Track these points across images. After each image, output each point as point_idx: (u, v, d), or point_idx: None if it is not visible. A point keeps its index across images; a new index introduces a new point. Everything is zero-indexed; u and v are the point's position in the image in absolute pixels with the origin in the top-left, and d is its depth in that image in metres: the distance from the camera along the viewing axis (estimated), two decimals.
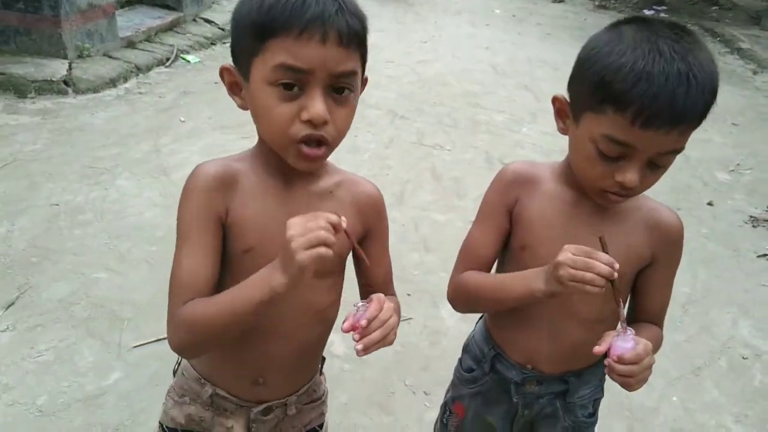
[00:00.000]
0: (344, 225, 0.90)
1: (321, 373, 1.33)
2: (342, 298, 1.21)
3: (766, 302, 3.06)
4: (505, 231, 1.25)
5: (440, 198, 3.74)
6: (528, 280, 1.11)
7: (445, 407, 1.49)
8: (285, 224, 1.00)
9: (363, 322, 0.94)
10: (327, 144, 0.98)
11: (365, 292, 1.24)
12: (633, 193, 1.07)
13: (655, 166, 1.04)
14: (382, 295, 0.99)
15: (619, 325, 1.02)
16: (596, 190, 1.10)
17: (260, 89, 0.96)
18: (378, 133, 4.52)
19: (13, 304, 2.52)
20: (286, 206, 1.07)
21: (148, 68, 5.14)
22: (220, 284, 1.05)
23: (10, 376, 2.20)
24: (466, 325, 1.30)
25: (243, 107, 1.05)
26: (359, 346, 0.93)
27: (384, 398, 2.29)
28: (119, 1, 5.72)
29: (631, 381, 1.02)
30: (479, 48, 6.91)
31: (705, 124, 3.85)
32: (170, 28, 5.90)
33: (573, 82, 1.11)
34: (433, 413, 1.68)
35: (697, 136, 4.07)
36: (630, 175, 1.02)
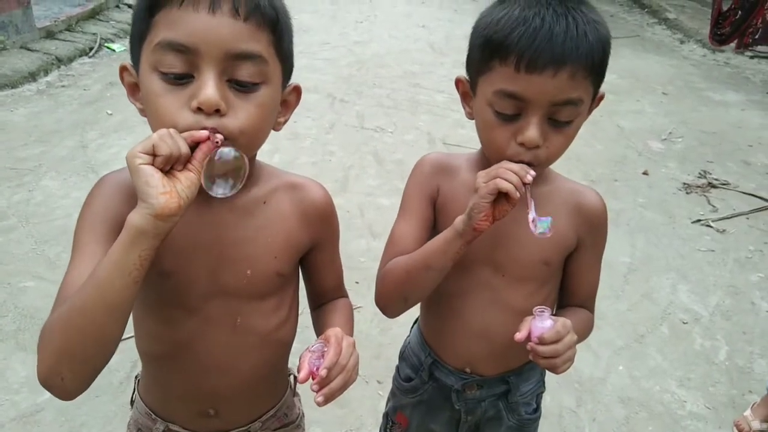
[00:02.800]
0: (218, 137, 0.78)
1: (295, 394, 1.25)
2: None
3: (702, 267, 3.18)
4: (429, 221, 1.19)
5: (384, 182, 3.71)
6: (451, 227, 1.05)
7: (387, 417, 1.45)
8: (205, 246, 0.92)
9: (323, 372, 0.84)
10: (229, 138, 0.81)
11: (315, 300, 1.18)
12: (539, 158, 1.00)
13: (557, 123, 0.99)
14: (339, 332, 0.89)
15: (535, 309, 1.01)
16: None
17: (145, 77, 0.81)
18: (318, 118, 4.44)
19: None
20: (209, 225, 0.94)
21: (70, 59, 4.87)
22: (137, 308, 0.96)
23: None
24: (415, 309, 1.26)
25: (143, 113, 0.87)
26: (319, 398, 0.85)
27: None
28: None
29: (557, 362, 0.99)
30: (416, 27, 6.87)
31: (636, 94, 3.93)
32: (92, 15, 5.60)
33: (468, 57, 1.08)
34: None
35: (629, 107, 4.17)
36: (529, 132, 0.97)
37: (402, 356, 1.42)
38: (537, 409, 1.36)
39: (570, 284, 1.23)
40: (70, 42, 5.06)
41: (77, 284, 0.80)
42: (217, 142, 0.78)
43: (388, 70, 5.53)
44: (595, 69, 0.98)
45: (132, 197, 0.84)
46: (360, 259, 2.95)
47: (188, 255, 0.94)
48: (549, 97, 0.96)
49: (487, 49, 0.99)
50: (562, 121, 0.99)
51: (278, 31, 0.84)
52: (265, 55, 0.82)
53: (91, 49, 5.08)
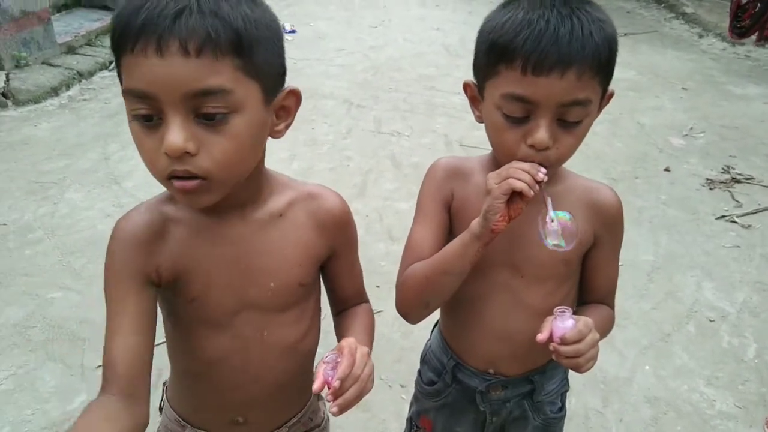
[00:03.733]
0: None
1: (319, 398, 1.26)
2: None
3: (727, 263, 3.13)
4: (445, 226, 1.19)
5: (402, 186, 3.71)
6: (467, 230, 1.05)
7: (411, 422, 1.45)
8: (228, 264, 0.95)
9: (336, 383, 0.85)
10: (201, 178, 0.81)
11: (336, 306, 1.19)
12: (550, 160, 1.00)
13: (566, 124, 0.99)
14: (352, 342, 0.89)
15: (555, 309, 1.00)
16: None
17: (129, 121, 0.82)
18: (335, 124, 4.46)
19: None
20: (228, 244, 0.96)
21: (91, 73, 4.95)
22: (168, 326, 0.99)
23: None
24: (436, 312, 1.26)
25: None
26: (334, 409, 0.85)
27: None
28: (55, 6, 5.49)
29: (580, 361, 0.99)
30: (430, 30, 6.87)
31: (656, 90, 3.89)
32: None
33: (474, 62, 1.08)
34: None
35: (649, 103, 4.12)
36: (539, 135, 0.97)
37: (424, 360, 1.42)
38: (562, 408, 1.35)
39: (589, 281, 1.22)
40: (90, 56, 5.15)
41: (122, 352, 0.89)
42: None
43: (403, 74, 5.53)
44: (603, 68, 0.98)
45: (154, 240, 0.92)
46: (380, 263, 2.95)
47: (213, 276, 0.96)
48: (557, 99, 0.96)
49: (492, 54, 1.00)
50: (571, 122, 0.99)
51: (245, 50, 0.79)
52: (228, 86, 0.78)
53: (111, 62, 5.15)
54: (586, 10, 0.97)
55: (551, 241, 1.00)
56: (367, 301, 1.21)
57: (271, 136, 0.93)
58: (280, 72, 0.90)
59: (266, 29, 0.84)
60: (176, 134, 0.77)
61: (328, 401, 0.85)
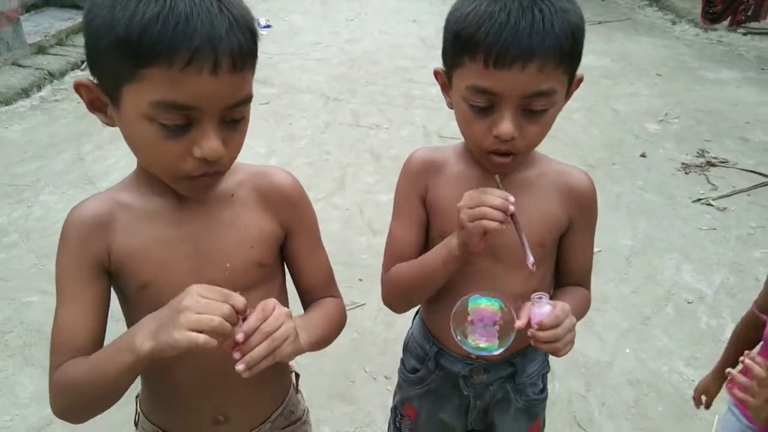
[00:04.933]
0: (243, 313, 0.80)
1: (297, 391, 1.25)
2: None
3: (704, 245, 3.17)
4: (423, 221, 1.22)
5: (382, 178, 3.70)
6: (446, 243, 1.10)
7: (396, 411, 1.45)
8: (182, 246, 0.94)
9: (239, 337, 0.80)
10: (221, 173, 0.89)
11: (303, 300, 1.15)
12: (517, 148, 1.03)
13: (531, 114, 1.00)
14: (270, 302, 0.85)
15: (533, 295, 1.02)
16: (483, 154, 1.07)
17: (137, 123, 0.81)
18: (312, 118, 4.43)
19: None
20: (181, 227, 0.96)
21: (63, 73, 4.87)
22: (127, 324, 0.97)
23: None
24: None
25: (110, 125, 0.88)
26: (239, 366, 0.81)
27: (345, 388, 2.26)
28: (24, 5, 5.37)
29: (558, 345, 1.00)
30: (406, 22, 6.85)
31: (630, 77, 3.93)
32: (82, 29, 5.59)
33: (443, 50, 1.08)
34: None
35: (624, 90, 4.15)
36: (503, 126, 0.99)
37: (406, 348, 1.42)
38: (543, 390, 1.37)
39: (565, 264, 1.24)
40: (61, 56, 5.06)
41: (71, 331, 0.91)
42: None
43: (380, 66, 5.52)
44: (566, 58, 0.98)
45: (105, 225, 0.93)
46: (362, 256, 2.95)
47: (165, 259, 0.95)
48: (520, 91, 0.98)
49: (457, 45, 1.01)
50: (536, 111, 1.00)
51: (255, 53, 0.86)
52: (252, 92, 0.86)
53: (82, 62, 5.07)
54: (552, 1, 0.97)
55: (479, 345, 1.04)
56: (336, 296, 1.16)
57: None
58: None
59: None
60: (215, 141, 0.82)
61: (236, 358, 0.81)
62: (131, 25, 0.75)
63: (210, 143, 0.81)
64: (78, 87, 0.86)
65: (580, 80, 1.08)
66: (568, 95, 1.08)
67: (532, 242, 1.13)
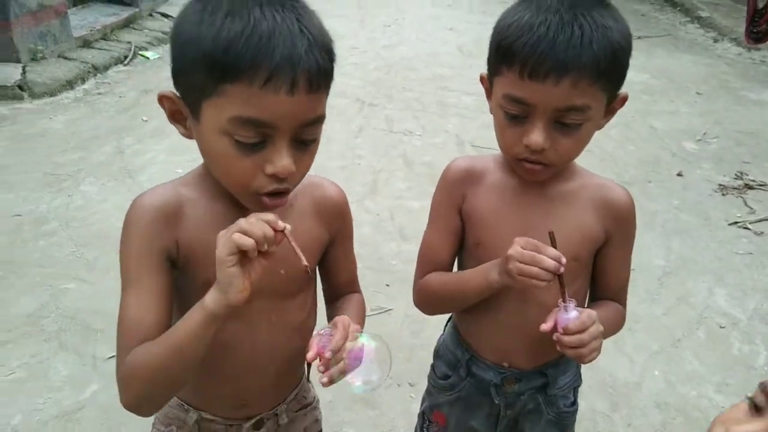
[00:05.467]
0: (288, 228, 0.81)
1: (308, 380, 1.27)
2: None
3: (739, 270, 3.11)
4: (457, 230, 1.24)
5: (414, 185, 3.71)
6: (485, 272, 1.12)
7: (423, 416, 1.46)
8: None
9: (328, 354, 0.88)
10: (289, 191, 0.91)
11: (330, 295, 1.21)
12: (549, 159, 1.04)
13: (563, 127, 1.02)
14: (346, 319, 0.93)
15: (560, 301, 1.03)
16: (515, 161, 1.10)
17: (214, 137, 0.84)
18: (347, 122, 4.47)
19: None
20: None
21: (106, 67, 4.99)
22: (178, 315, 0.98)
23: None
24: None
25: (188, 137, 0.91)
26: (324, 379, 0.88)
27: (368, 393, 2.27)
28: (71, 0, 5.53)
29: (583, 351, 1.01)
30: (444, 29, 6.87)
31: (670, 94, 3.87)
32: (126, 24, 5.73)
33: (488, 57, 1.11)
34: (419, 404, 1.67)
35: (663, 107, 4.09)
36: (534, 136, 1.01)
37: (437, 354, 1.43)
38: (574, 403, 1.37)
39: (600, 278, 1.24)
40: (105, 51, 5.19)
41: (140, 318, 0.91)
42: (283, 231, 0.82)
43: (416, 73, 5.54)
44: (603, 75, 0.99)
45: (173, 217, 0.93)
46: (391, 261, 2.96)
47: None
48: (552, 104, 0.99)
49: (498, 53, 1.04)
50: (569, 124, 1.01)
51: (333, 73, 0.87)
52: (325, 112, 0.87)
53: (125, 57, 5.20)
54: (592, 16, 0.98)
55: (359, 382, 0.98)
56: (359, 291, 1.23)
57: None
58: None
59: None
60: (287, 159, 0.84)
61: (320, 371, 0.88)
62: (216, 41, 0.78)
63: (282, 161, 0.83)
64: (161, 99, 0.89)
65: (624, 99, 1.08)
66: (609, 112, 1.08)
67: (568, 256, 1.12)
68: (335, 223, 1.10)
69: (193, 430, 1.14)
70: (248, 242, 0.78)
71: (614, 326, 1.23)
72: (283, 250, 0.98)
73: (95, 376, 2.24)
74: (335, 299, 1.20)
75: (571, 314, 1.02)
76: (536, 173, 1.09)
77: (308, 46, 0.79)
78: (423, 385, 2.08)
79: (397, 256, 3.00)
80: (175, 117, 0.90)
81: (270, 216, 0.81)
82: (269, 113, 0.80)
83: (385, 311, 2.63)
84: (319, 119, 0.86)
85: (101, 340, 2.39)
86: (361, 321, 1.14)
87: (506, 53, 1.00)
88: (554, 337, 1.02)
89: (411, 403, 2.22)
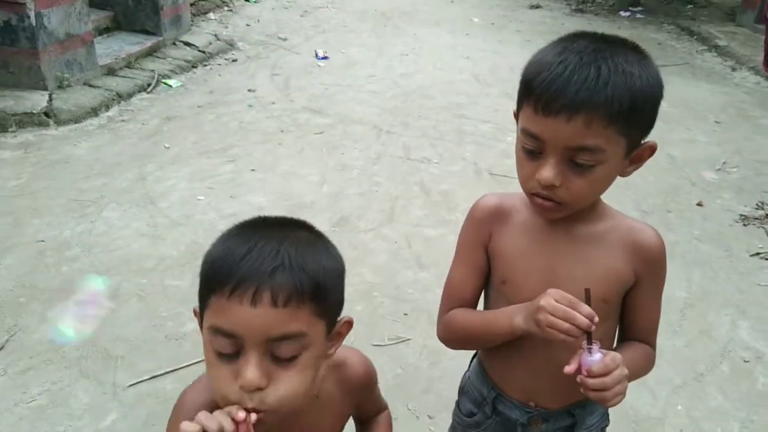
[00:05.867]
0: (243, 417, 0.85)
1: None
2: None
3: (763, 302, 3.07)
4: (483, 268, 1.24)
5: (431, 213, 3.72)
6: (510, 315, 1.13)
7: None
8: None
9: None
10: (267, 410, 0.88)
11: (359, 417, 1.27)
12: (560, 197, 1.05)
13: (576, 166, 1.01)
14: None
15: (584, 343, 1.03)
16: (529, 196, 1.11)
17: (205, 343, 0.90)
18: (364, 149, 4.51)
19: (2, 347, 2.46)
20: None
21: (130, 95, 5.09)
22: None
23: (3, 424, 2.14)
24: None
25: None
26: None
27: None
28: (98, 29, 5.67)
29: (606, 395, 1.01)
30: (460, 58, 6.93)
31: (687, 122, 3.87)
32: (150, 53, 5.86)
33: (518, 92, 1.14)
34: None
35: (681, 136, 4.08)
36: (544, 172, 1.02)
37: (462, 390, 1.42)
38: None
39: (629, 320, 1.23)
40: (129, 78, 5.30)
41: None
42: (252, 421, 0.86)
43: (433, 101, 5.58)
44: (618, 119, 0.98)
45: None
46: (407, 290, 2.96)
47: None
48: (563, 142, 1.00)
49: (521, 88, 1.07)
50: (582, 165, 1.02)
51: (320, 297, 0.88)
52: (304, 330, 0.87)
53: (149, 85, 5.30)
54: (615, 60, 0.98)
55: None
56: (384, 409, 1.30)
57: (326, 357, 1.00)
58: (341, 306, 0.98)
59: (337, 277, 0.95)
60: (253, 372, 0.84)
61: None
62: (206, 263, 0.89)
63: (247, 373, 0.84)
64: (194, 311, 0.97)
65: (652, 148, 1.09)
66: (636, 160, 1.09)
67: (596, 298, 1.13)
68: (361, 396, 1.16)
69: None
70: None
71: (642, 368, 1.22)
72: (311, 417, 1.06)
73: (115, 404, 2.25)
74: (365, 422, 1.29)
75: (595, 357, 1.01)
76: (547, 210, 1.09)
77: (280, 265, 0.84)
78: (442, 417, 2.06)
79: (414, 285, 3.00)
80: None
81: (232, 409, 0.85)
82: (234, 323, 0.84)
83: (403, 341, 2.62)
84: (292, 336, 0.86)
85: (121, 367, 2.41)
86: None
87: (526, 88, 1.03)
88: (578, 380, 1.02)
89: None
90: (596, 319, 1.00)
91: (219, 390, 0.89)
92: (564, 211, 1.09)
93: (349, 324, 1.01)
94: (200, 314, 0.92)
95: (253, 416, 0.85)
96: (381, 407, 1.28)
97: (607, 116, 0.97)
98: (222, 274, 0.85)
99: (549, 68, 0.99)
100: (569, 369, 1.03)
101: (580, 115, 0.96)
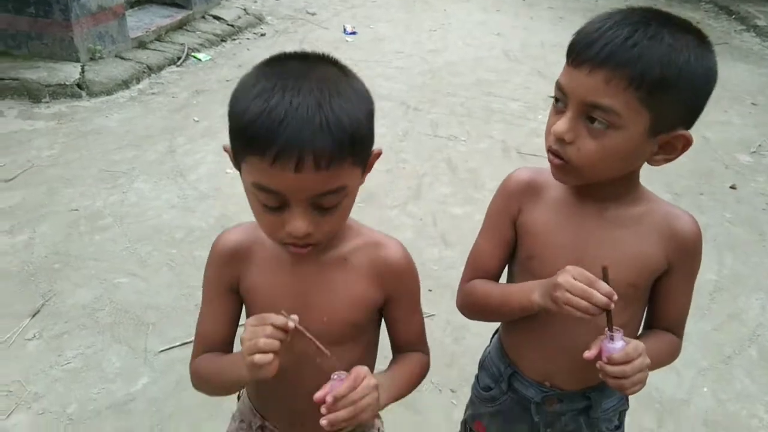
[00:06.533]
0: (292, 324, 0.91)
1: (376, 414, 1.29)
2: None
3: None
4: (509, 242, 1.22)
5: (457, 190, 3.71)
6: (528, 291, 1.11)
7: (465, 425, 1.47)
8: (292, 294, 1.06)
9: (329, 398, 0.92)
10: (314, 245, 0.96)
11: (393, 349, 1.22)
12: (567, 154, 1.03)
13: (591, 126, 0.99)
14: (362, 371, 0.96)
15: (606, 329, 1.01)
16: (547, 153, 1.09)
17: (249, 193, 0.94)
18: (391, 126, 4.49)
19: (38, 312, 2.54)
20: (296, 277, 1.07)
21: (160, 68, 5.13)
22: None
23: (39, 385, 2.22)
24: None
25: None
26: (323, 421, 0.91)
27: (411, 397, 2.24)
28: (129, 2, 5.71)
29: (625, 383, 0.99)
30: (490, 35, 6.83)
31: (723, 104, 3.84)
32: (180, 26, 5.88)
33: None
34: (460, 411, 1.67)
35: (716, 117, 4.01)
36: (559, 124, 1.02)
37: (482, 365, 1.43)
38: (620, 427, 1.34)
39: (658, 307, 1.20)
40: (159, 51, 5.34)
41: (208, 329, 1.13)
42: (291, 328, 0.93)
43: (461, 78, 5.53)
44: (644, 85, 0.94)
45: (240, 258, 1.10)
46: (433, 267, 2.97)
47: (276, 301, 1.04)
48: (581, 95, 0.98)
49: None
50: (596, 125, 0.98)
51: (357, 149, 0.90)
52: (345, 183, 0.91)
53: (179, 58, 5.34)
54: (660, 31, 0.95)
55: None
56: (423, 351, 1.22)
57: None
58: (372, 143, 0.99)
59: (369, 119, 0.94)
60: (301, 223, 0.90)
61: (322, 412, 0.92)
62: (241, 120, 0.87)
63: (295, 224, 0.90)
64: (224, 148, 1.00)
65: (687, 140, 1.02)
66: (668, 150, 1.03)
67: (624, 282, 1.11)
68: (392, 284, 1.11)
69: None
70: (265, 360, 0.89)
71: (666, 358, 1.20)
72: (326, 301, 1.08)
73: (146, 369, 2.31)
74: (397, 353, 1.21)
75: (617, 344, 1.00)
76: (555, 168, 1.07)
77: (319, 128, 0.84)
78: (464, 391, 2.08)
79: (439, 262, 3.01)
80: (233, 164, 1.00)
81: (279, 320, 0.91)
82: (279, 186, 0.88)
83: (428, 316, 2.63)
84: (336, 191, 0.90)
85: (152, 334, 2.47)
86: (404, 378, 1.15)
87: (569, 44, 1.03)
88: (597, 366, 1.00)
89: (452, 410, 2.23)
90: (615, 297, 0.98)
91: (270, 232, 0.96)
92: (573, 176, 1.06)
93: (379, 154, 1.03)
94: (234, 159, 0.94)
95: (295, 324, 0.92)
96: (418, 339, 1.20)
97: (627, 78, 0.94)
98: (262, 140, 0.84)
99: (592, 24, 1.00)
100: (589, 354, 1.01)
101: (602, 70, 0.95)
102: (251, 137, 0.85)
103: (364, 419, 0.94)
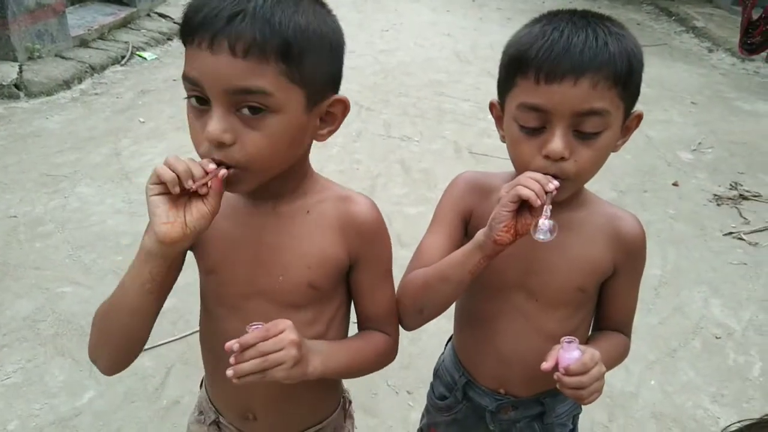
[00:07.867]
0: (214, 169, 0.83)
1: (347, 416, 1.24)
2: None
3: (734, 280, 3.14)
4: (458, 236, 1.17)
5: (411, 191, 3.72)
6: (469, 243, 1.04)
7: None
8: (245, 247, 0.97)
9: (234, 346, 0.84)
10: (234, 167, 0.85)
11: (359, 324, 1.13)
12: (566, 172, 0.98)
13: (583, 135, 0.97)
14: (280, 323, 0.88)
15: (563, 339, 0.99)
16: None
17: (187, 102, 0.89)
18: (345, 126, 4.38)
19: None
20: (250, 229, 0.99)
21: (103, 67, 4.97)
22: (201, 319, 1.06)
23: None
24: (445, 320, 1.26)
25: None
26: (229, 371, 0.85)
27: (367, 400, 2.27)
28: None
29: (583, 393, 0.98)
30: (441, 35, 6.89)
31: (664, 103, 3.90)
32: (124, 24, 5.71)
33: (498, 80, 1.08)
34: (417, 413, 1.67)
35: (657, 116, 4.13)
36: (553, 144, 0.95)
37: (436, 374, 1.42)
38: (573, 430, 1.35)
39: (606, 309, 1.21)
40: (102, 50, 5.17)
41: None
42: (221, 175, 0.84)
43: (413, 78, 5.55)
44: (621, 79, 0.96)
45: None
46: None
47: (229, 254, 0.99)
48: (571, 107, 0.94)
49: (510, 67, 1.00)
50: (588, 133, 0.97)
51: (292, 58, 0.83)
52: (268, 89, 0.82)
53: (123, 57, 5.18)
54: (605, 24, 0.98)
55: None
56: (388, 332, 1.11)
57: (315, 140, 0.97)
58: (329, 80, 0.93)
59: (320, 40, 0.87)
60: (215, 124, 0.83)
61: (230, 362, 0.85)
62: (185, 12, 0.85)
63: (211, 124, 0.83)
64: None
65: (640, 116, 1.06)
66: (627, 131, 1.06)
67: (572, 286, 1.13)
68: (357, 244, 1.02)
69: (214, 429, 1.16)
70: (167, 174, 0.80)
71: (618, 358, 1.21)
72: (283, 257, 0.99)
73: (92, 382, 2.22)
74: (361, 329, 1.12)
75: (573, 354, 0.98)
76: (559, 190, 1.02)
77: (239, 12, 0.80)
78: (420, 393, 2.08)
79: (394, 262, 2.99)
80: None
81: (204, 161, 0.84)
82: (196, 70, 0.83)
83: None
84: (257, 90, 0.82)
85: None
86: (353, 354, 1.04)
87: (520, 62, 0.97)
88: (555, 377, 0.99)
89: (409, 412, 2.22)
90: (555, 182, 0.96)
91: (194, 143, 0.88)
92: (568, 190, 1.02)
93: (343, 103, 0.95)
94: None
95: (223, 171, 0.84)
96: (385, 315, 1.09)
97: (611, 77, 0.94)
98: (186, 21, 0.83)
99: (543, 36, 0.95)
100: (546, 366, 0.99)
101: (586, 76, 0.93)
102: (183, 24, 0.85)
103: (278, 377, 0.86)
